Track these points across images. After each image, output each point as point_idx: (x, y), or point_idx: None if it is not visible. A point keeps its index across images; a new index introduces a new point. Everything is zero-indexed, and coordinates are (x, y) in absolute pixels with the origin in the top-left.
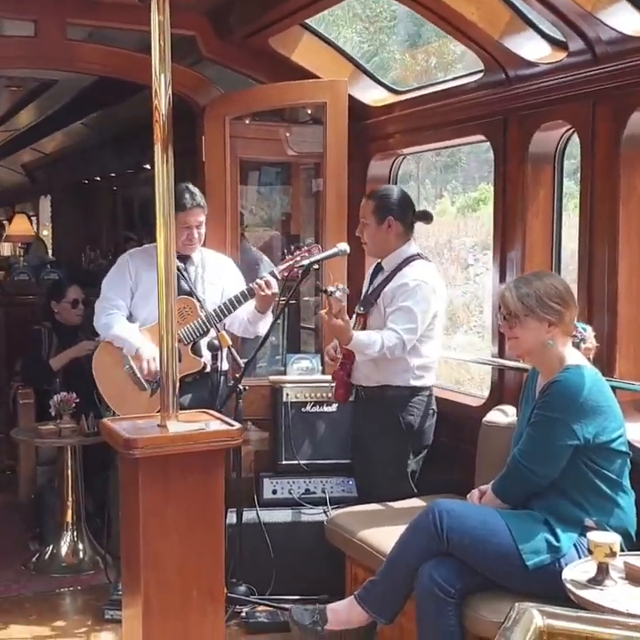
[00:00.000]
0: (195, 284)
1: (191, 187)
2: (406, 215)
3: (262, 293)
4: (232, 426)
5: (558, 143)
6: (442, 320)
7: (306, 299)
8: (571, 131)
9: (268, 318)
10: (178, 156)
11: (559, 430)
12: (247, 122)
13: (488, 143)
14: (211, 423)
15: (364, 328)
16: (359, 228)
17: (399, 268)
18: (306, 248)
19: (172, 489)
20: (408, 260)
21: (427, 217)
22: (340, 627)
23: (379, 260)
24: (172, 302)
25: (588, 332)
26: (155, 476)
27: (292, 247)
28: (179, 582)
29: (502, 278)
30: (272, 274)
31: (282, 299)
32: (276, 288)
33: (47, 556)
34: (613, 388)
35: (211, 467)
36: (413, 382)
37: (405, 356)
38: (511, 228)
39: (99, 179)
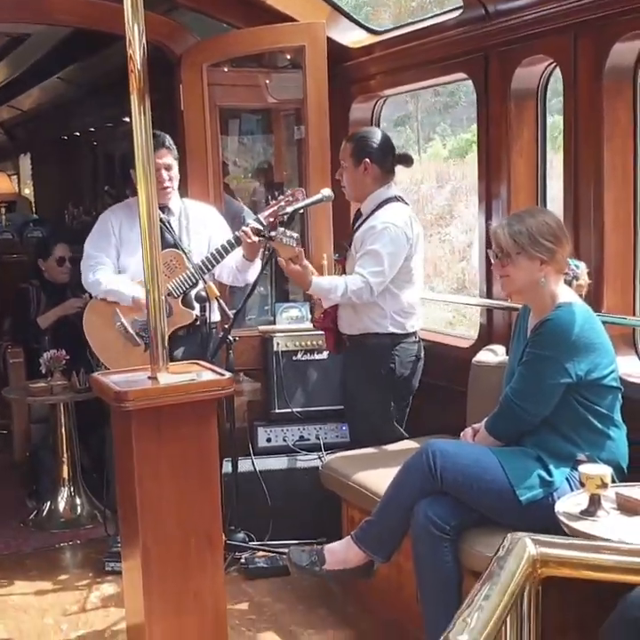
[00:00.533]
0: (180, 236)
1: (156, 131)
2: (385, 158)
3: (249, 241)
4: (223, 375)
5: (540, 78)
6: (419, 264)
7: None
8: (553, 65)
9: (257, 265)
10: (156, 107)
11: (551, 369)
12: (225, 69)
13: None
14: (201, 374)
15: (343, 273)
16: (338, 171)
17: (374, 211)
18: (289, 193)
19: (166, 440)
20: (384, 203)
21: (407, 160)
22: (337, 567)
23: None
24: (157, 254)
25: (581, 269)
26: (147, 428)
27: (277, 193)
28: (176, 531)
29: (488, 218)
30: (257, 220)
31: (268, 247)
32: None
33: (45, 513)
34: (603, 323)
35: (203, 416)
36: (393, 329)
37: (377, 300)
38: (496, 167)
39: (78, 134)
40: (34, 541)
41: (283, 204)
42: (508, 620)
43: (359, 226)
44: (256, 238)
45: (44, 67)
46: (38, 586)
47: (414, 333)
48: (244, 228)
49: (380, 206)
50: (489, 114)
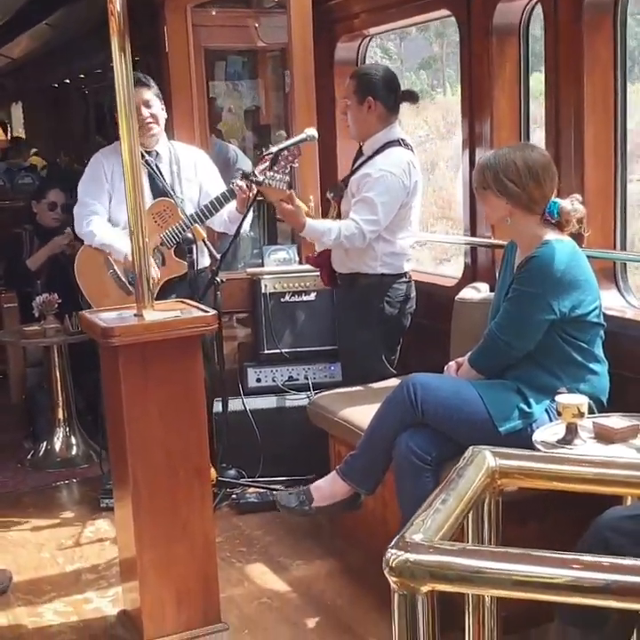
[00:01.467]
0: (172, 184)
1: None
2: (389, 96)
3: (243, 196)
4: (207, 312)
5: (522, 14)
6: (415, 210)
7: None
8: (535, 0)
9: (249, 216)
10: (140, 51)
11: (536, 305)
12: (214, 13)
13: None
14: (186, 311)
15: (339, 213)
16: (341, 109)
17: (377, 153)
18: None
19: (152, 375)
20: (386, 146)
21: (412, 97)
22: (325, 502)
23: (360, 144)
24: (140, 195)
25: (569, 210)
26: (134, 364)
27: (269, 145)
28: (165, 464)
29: (471, 154)
30: (253, 175)
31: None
32: (255, 189)
33: (41, 453)
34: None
35: (188, 353)
36: (382, 270)
37: (368, 244)
38: (478, 104)
39: (68, 81)
40: (31, 480)
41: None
42: (468, 526)
43: (359, 166)
44: (250, 192)
45: (30, 13)
46: (35, 522)
47: (405, 274)
48: (239, 182)
49: (381, 149)
50: (471, 51)
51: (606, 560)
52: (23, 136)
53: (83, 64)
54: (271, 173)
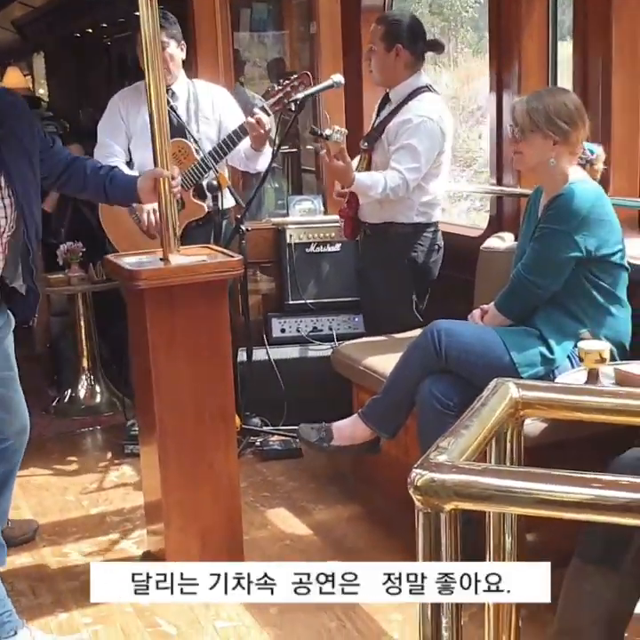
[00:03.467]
0: (188, 122)
1: None
2: (416, 44)
3: (254, 133)
4: (232, 257)
5: None
6: (448, 156)
7: (307, 147)
8: None
9: (267, 154)
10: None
11: (562, 242)
12: None
13: None
14: (212, 256)
15: (369, 163)
16: (365, 55)
17: (406, 100)
18: (295, 77)
19: (178, 319)
20: (416, 93)
21: (437, 46)
22: (344, 442)
23: (386, 91)
24: (166, 141)
25: (597, 154)
26: (160, 308)
27: (281, 80)
28: (191, 406)
29: (499, 102)
30: (263, 109)
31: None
32: (268, 124)
33: (66, 400)
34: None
35: (214, 297)
36: (417, 219)
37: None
38: (506, 51)
39: (91, 31)
40: (55, 427)
41: (289, 89)
42: (490, 454)
43: (389, 114)
44: (262, 128)
45: None
46: (59, 467)
47: (436, 223)
48: (249, 118)
49: (412, 96)
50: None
51: (626, 479)
52: (45, 87)
53: (105, 13)
54: (336, 127)
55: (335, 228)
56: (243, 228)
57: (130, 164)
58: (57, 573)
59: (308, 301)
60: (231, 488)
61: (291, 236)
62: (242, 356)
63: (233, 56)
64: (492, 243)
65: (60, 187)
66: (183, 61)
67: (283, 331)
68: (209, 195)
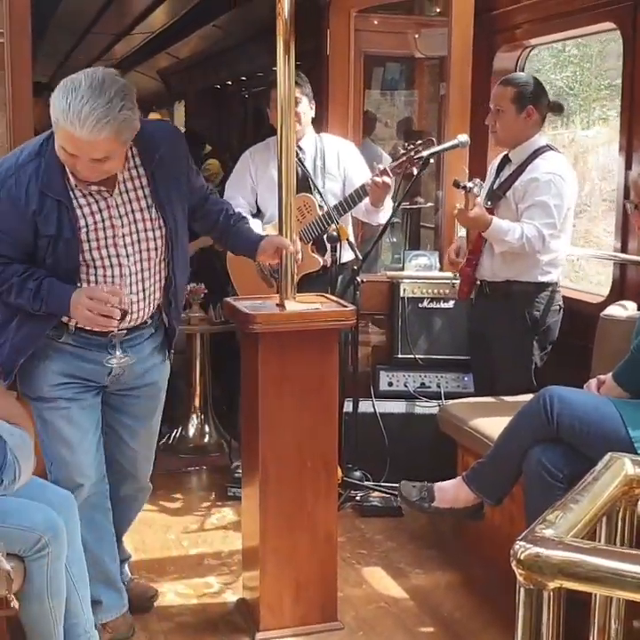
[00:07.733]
0: (314, 177)
1: None
2: (543, 104)
3: (374, 193)
4: (346, 307)
5: None
6: (571, 216)
7: (427, 204)
8: None
9: (387, 208)
10: (304, 55)
11: None
12: (376, 22)
13: None
14: (326, 305)
15: None
16: (490, 117)
17: (529, 160)
18: (419, 143)
19: (289, 365)
20: (538, 152)
21: (559, 108)
22: (446, 505)
23: (505, 152)
24: (291, 196)
25: None
26: (273, 352)
27: (406, 143)
28: (294, 452)
29: (628, 167)
30: (385, 171)
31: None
32: (389, 184)
33: (176, 438)
34: None
35: (326, 345)
36: (541, 278)
37: (531, 251)
38: (638, 119)
39: (230, 83)
40: (163, 463)
41: (412, 154)
42: (600, 532)
43: (512, 174)
44: (381, 190)
45: (200, 13)
46: (164, 504)
47: (557, 283)
48: (372, 178)
49: (535, 154)
50: (635, 64)
51: None
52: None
53: (245, 66)
54: (478, 180)
55: (449, 285)
56: (358, 279)
57: (256, 216)
58: (152, 612)
59: (418, 356)
60: (328, 540)
61: (404, 289)
62: (348, 406)
63: (363, 113)
64: (614, 310)
65: (192, 221)
66: (312, 119)
67: (390, 384)
68: (328, 245)
